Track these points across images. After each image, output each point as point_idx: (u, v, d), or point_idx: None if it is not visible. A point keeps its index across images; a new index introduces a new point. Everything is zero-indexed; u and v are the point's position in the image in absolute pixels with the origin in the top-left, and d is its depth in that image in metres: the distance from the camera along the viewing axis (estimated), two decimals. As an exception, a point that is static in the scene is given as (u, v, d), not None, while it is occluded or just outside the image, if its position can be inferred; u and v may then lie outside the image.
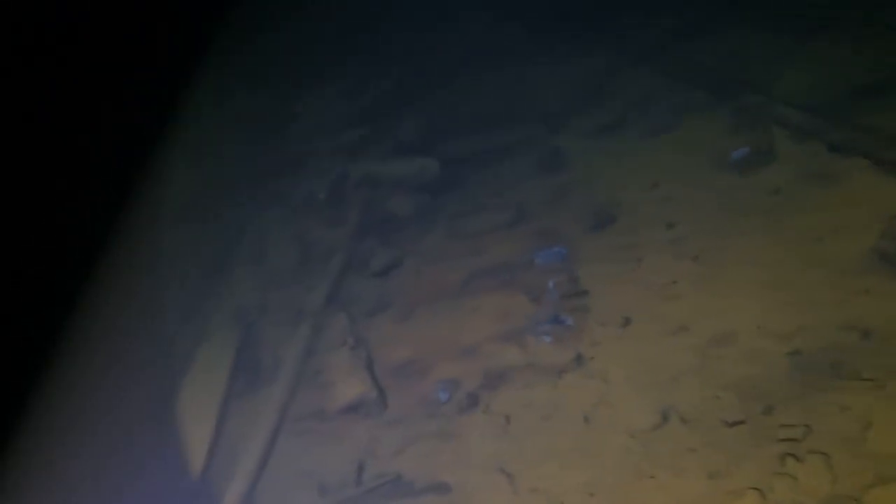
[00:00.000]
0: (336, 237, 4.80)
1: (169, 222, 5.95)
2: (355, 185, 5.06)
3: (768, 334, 2.78)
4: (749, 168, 3.91)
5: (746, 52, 5.15)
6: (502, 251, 4.11)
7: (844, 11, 5.09)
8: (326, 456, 3.17)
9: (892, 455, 2.08)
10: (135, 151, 5.62)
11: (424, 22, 7.89)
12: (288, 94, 7.50)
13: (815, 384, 2.46)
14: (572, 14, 6.91)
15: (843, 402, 2.34)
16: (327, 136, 6.09)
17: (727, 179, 3.90)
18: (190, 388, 3.91)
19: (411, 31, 7.80)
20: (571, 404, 2.87)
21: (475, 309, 3.78)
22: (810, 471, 2.15)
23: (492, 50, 7.12)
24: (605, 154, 4.67)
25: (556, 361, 3.14)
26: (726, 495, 2.20)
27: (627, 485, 2.40)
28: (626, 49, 5.80)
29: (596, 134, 4.93)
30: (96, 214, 4.60)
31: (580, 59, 6.14)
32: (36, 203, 3.93)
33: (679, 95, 4.89)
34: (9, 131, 3.72)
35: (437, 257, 4.33)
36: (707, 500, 2.22)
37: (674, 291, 3.30)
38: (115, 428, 3.50)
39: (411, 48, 7.51)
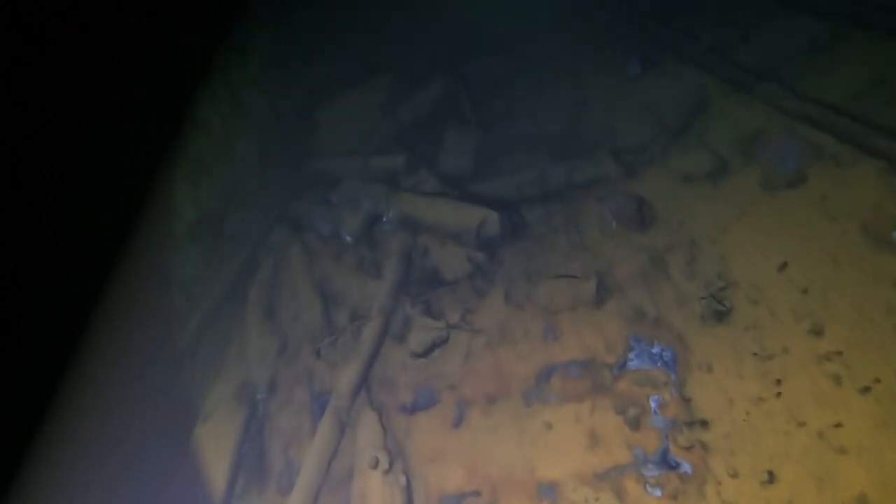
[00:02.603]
0: (366, 295, 3.90)
1: (179, 242, 5.12)
2: (391, 226, 4.14)
3: None
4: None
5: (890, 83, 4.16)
6: (584, 340, 3.19)
7: None
8: None
9: None
10: (142, 160, 4.94)
11: (473, 22, 6.92)
12: (310, 98, 6.58)
13: None
14: (644, 20, 5.92)
15: None
16: (356, 156, 5.15)
17: (894, 267, 2.94)
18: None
19: (459, 30, 6.84)
20: None
21: (551, 425, 2.87)
22: None
23: (551, 58, 6.15)
24: (706, 210, 3.71)
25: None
26: None
27: None
28: (719, 70, 4.80)
29: (690, 180, 3.96)
30: (105, 224, 4.18)
31: (659, 78, 5.16)
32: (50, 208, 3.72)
33: (801, 135, 3.91)
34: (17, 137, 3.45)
35: (496, 337, 3.42)
36: None
37: (839, 439, 2.37)
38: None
39: (458, 51, 6.55)
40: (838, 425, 2.41)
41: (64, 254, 3.88)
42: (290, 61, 6.70)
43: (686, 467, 2.47)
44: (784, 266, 3.13)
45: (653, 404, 2.72)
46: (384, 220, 4.18)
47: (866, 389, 2.49)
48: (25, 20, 3.68)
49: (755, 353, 2.79)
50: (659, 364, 2.89)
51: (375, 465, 2.87)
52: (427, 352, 3.49)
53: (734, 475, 2.41)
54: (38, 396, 3.36)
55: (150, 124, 5.23)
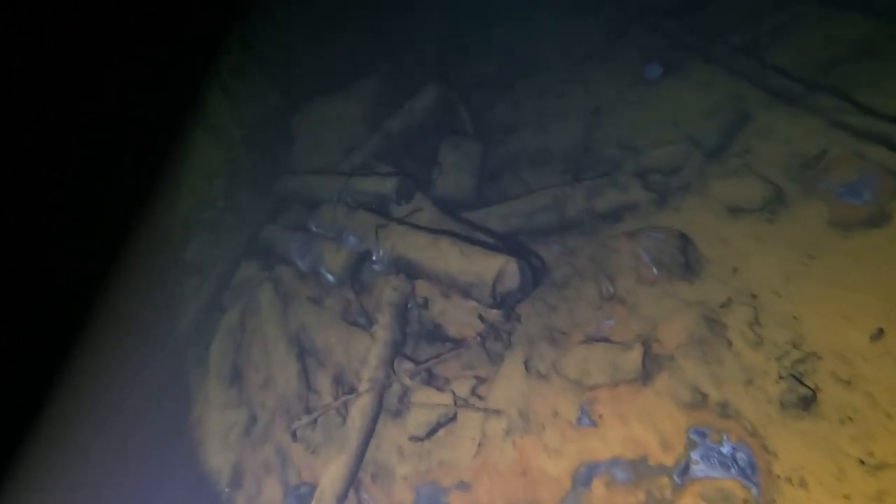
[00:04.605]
0: (352, 355, 3.21)
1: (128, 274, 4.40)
2: (383, 267, 3.45)
3: None
4: None
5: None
6: (630, 429, 2.55)
7: None
8: None
9: None
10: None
11: (468, 18, 6.23)
12: (285, 103, 5.83)
13: None
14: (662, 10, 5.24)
15: None
16: (337, 175, 4.43)
17: None
18: None
19: (451, 28, 6.13)
20: None
21: (597, 553, 2.22)
22: None
23: (556, 59, 5.48)
24: (762, 252, 3.08)
25: None
26: None
27: None
28: (757, 76, 4.14)
29: (737, 212, 3.32)
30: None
31: (683, 84, 4.50)
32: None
33: (872, 159, 3.27)
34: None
35: (517, 420, 2.76)
36: None
37: None
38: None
39: (451, 50, 5.85)
40: None
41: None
42: (263, 62, 5.92)
43: None
44: (880, 334, 2.50)
45: (732, 530, 2.08)
46: (373, 258, 3.48)
47: None
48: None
49: (861, 461, 2.16)
50: (733, 471, 2.26)
51: None
52: (430, 433, 2.82)
53: None
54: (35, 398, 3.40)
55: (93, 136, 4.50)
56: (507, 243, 3.35)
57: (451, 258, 3.01)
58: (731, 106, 4.01)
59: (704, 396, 2.54)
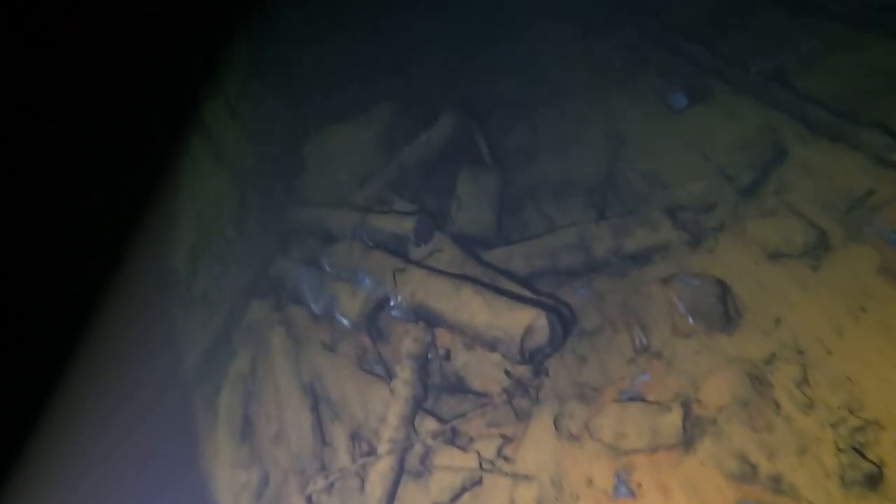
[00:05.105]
0: (370, 409, 3.03)
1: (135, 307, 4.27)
2: (401, 314, 3.28)
3: None
4: None
5: None
6: (671, 503, 2.34)
7: None
8: None
9: None
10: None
11: (480, 38, 6.08)
12: (297, 128, 5.69)
13: None
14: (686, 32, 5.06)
15: None
16: (352, 210, 4.27)
17: None
18: None
19: (465, 47, 5.99)
20: None
21: None
22: None
23: (575, 81, 5.32)
24: (808, 302, 2.88)
25: None
26: None
27: None
28: (791, 106, 3.94)
29: (777, 257, 3.13)
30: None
31: (711, 113, 4.31)
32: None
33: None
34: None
35: (547, 486, 2.56)
36: None
37: None
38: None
39: (465, 71, 5.71)
40: None
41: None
42: (273, 86, 5.79)
43: None
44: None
45: None
46: (391, 303, 3.31)
47: None
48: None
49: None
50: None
51: None
52: (454, 499, 2.63)
53: None
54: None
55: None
56: (532, 289, 3.16)
57: (476, 309, 2.83)
58: (764, 138, 3.83)
59: (754, 467, 2.34)
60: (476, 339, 2.88)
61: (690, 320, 2.95)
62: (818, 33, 4.50)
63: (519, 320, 2.70)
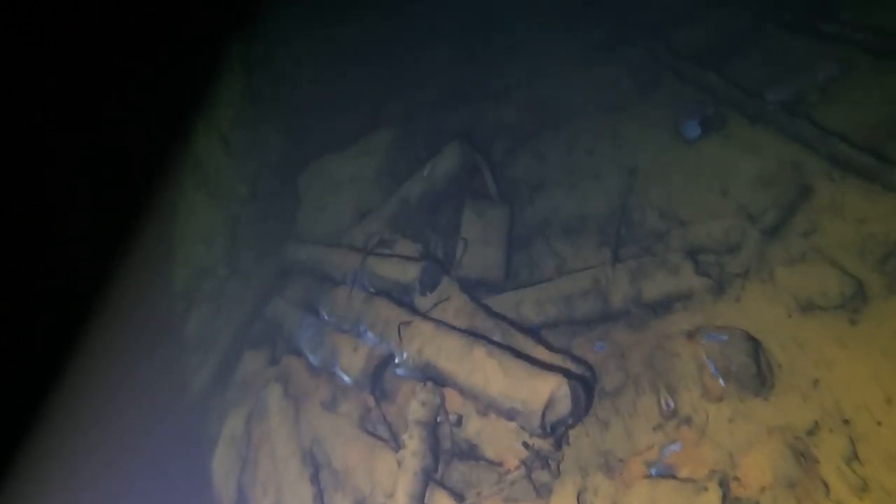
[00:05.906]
0: (377, 480, 2.78)
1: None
2: (407, 373, 3.04)
3: None
4: None
5: None
6: None
7: None
8: None
9: None
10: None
11: (482, 60, 5.87)
12: (294, 156, 5.46)
13: None
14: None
15: None
16: (351, 252, 4.04)
17: None
18: None
19: (466, 69, 5.78)
20: None
21: None
22: None
23: (581, 107, 5.12)
24: (848, 362, 2.66)
25: None
26: None
27: None
28: (815, 141, 3.73)
29: (810, 309, 2.91)
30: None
31: (728, 145, 4.10)
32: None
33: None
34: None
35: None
36: None
37: None
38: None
39: (467, 96, 5.50)
40: None
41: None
42: (267, 113, 5.56)
43: None
44: None
45: None
46: (396, 360, 3.08)
47: None
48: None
49: None
50: None
51: None
52: (470, 587, 2.39)
53: None
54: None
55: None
56: (547, 344, 2.93)
57: (490, 375, 2.60)
58: (787, 174, 3.62)
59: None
60: (490, 407, 2.65)
61: (721, 382, 2.73)
62: (834, 59, 4.29)
63: (539, 391, 2.47)
